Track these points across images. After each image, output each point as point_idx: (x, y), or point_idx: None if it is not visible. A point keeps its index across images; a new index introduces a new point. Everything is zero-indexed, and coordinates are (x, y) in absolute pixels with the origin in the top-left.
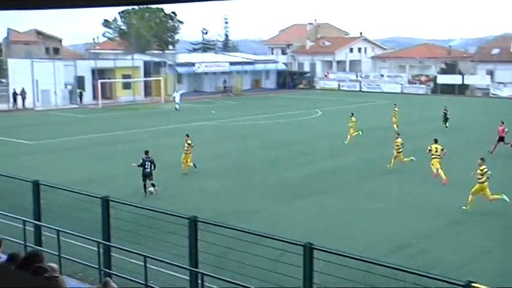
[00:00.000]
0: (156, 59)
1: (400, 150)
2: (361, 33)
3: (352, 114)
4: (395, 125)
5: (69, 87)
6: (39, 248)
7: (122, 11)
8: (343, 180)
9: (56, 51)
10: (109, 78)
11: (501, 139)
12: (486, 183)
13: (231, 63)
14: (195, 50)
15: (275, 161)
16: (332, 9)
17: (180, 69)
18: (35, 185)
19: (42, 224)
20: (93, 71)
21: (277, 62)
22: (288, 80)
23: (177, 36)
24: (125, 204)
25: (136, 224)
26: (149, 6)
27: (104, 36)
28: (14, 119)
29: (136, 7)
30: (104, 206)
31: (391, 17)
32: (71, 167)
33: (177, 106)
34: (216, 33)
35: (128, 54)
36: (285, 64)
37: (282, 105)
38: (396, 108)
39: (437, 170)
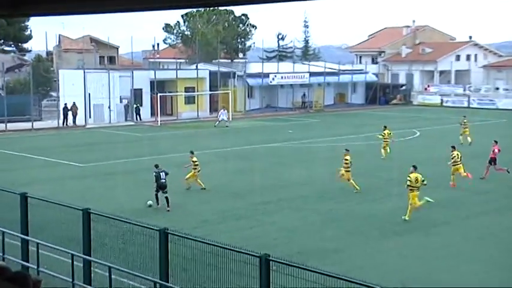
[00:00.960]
0: (224, 69)
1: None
2: (470, 37)
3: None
4: (464, 138)
5: (124, 101)
6: (89, 287)
7: (185, 14)
8: (449, 215)
9: (112, 60)
10: (170, 92)
11: (492, 161)
12: (415, 192)
13: (311, 74)
14: (269, 59)
15: (364, 190)
16: (434, 9)
17: (251, 81)
18: (85, 213)
19: (92, 259)
20: (151, 83)
21: (367, 73)
22: (379, 94)
23: (248, 43)
24: (187, 238)
25: (198, 262)
26: (217, 8)
27: (164, 42)
28: (63, 138)
29: (201, 9)
30: (162, 239)
31: (508, 17)
32: (126, 193)
33: (227, 124)
34: (294, 39)
35: (192, 64)
36: (376, 75)
37: (371, 124)
38: (465, 120)
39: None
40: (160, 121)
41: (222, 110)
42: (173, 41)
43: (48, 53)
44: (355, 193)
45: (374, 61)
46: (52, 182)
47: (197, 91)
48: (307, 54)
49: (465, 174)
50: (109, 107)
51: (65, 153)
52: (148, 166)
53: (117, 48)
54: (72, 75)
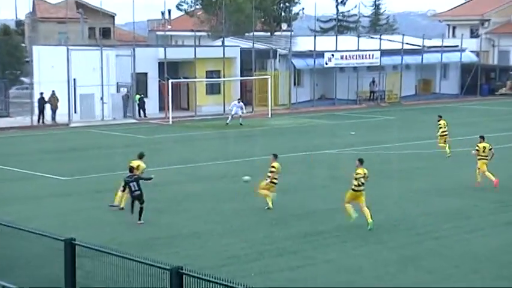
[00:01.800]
0: (261, 46)
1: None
2: None
3: None
4: None
5: (123, 90)
6: None
7: None
8: None
9: (106, 33)
10: (185, 77)
11: None
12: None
13: (384, 53)
14: (324, 32)
15: (458, 217)
16: None
17: (298, 63)
18: (69, 245)
19: None
20: (160, 65)
21: (463, 51)
22: (481, 80)
23: (295, 9)
24: (207, 280)
25: None
26: None
27: (178, 8)
28: (39, 141)
29: None
30: (174, 283)
31: None
32: (122, 216)
33: (240, 121)
34: (359, 3)
35: (216, 38)
36: (476, 54)
37: (469, 123)
38: None
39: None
40: (173, 118)
41: (235, 102)
42: (190, 6)
43: (19, 23)
44: (448, 222)
45: (474, 34)
46: (24, 202)
47: (224, 76)
48: (377, 24)
49: (489, 175)
50: (101, 99)
51: (41, 162)
52: (154, 181)
53: (113, 17)
54: (50, 53)
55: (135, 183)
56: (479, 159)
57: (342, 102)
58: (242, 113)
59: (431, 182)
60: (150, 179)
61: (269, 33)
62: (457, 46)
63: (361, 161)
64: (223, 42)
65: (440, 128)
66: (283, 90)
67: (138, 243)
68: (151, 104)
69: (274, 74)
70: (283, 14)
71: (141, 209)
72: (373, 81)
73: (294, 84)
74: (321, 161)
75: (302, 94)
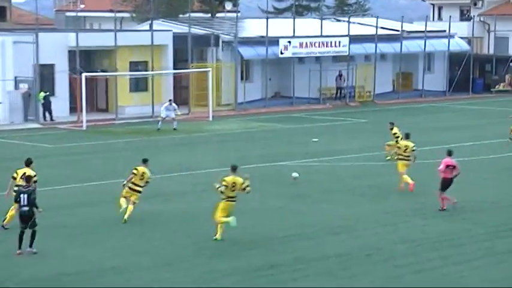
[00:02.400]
0: (200, 31)
1: None
2: None
3: None
4: None
5: (23, 87)
6: None
7: None
8: None
9: (1, 14)
10: (103, 70)
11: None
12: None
13: (354, 39)
14: (278, 13)
15: (446, 244)
16: None
17: (247, 52)
18: None
19: None
20: (71, 54)
21: (452, 37)
22: (474, 73)
23: None
24: None
25: None
26: None
27: None
28: None
29: None
30: None
31: None
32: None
33: (174, 125)
34: None
35: (143, 21)
36: (468, 41)
37: (458, 127)
38: None
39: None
40: (87, 122)
41: (166, 104)
42: None
43: None
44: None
45: (464, 16)
46: None
47: (152, 69)
48: (345, 4)
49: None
50: None
51: None
52: (61, 203)
53: None
54: None
55: (26, 196)
56: (399, 159)
57: (302, 102)
58: (176, 115)
59: (411, 200)
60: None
61: (209, 15)
62: (444, 31)
63: (233, 168)
64: (151, 25)
65: (398, 137)
66: (227, 87)
67: (42, 280)
68: (60, 104)
69: (216, 66)
70: None
71: (34, 233)
72: (340, 75)
73: (242, 78)
74: (276, 175)
75: (251, 91)
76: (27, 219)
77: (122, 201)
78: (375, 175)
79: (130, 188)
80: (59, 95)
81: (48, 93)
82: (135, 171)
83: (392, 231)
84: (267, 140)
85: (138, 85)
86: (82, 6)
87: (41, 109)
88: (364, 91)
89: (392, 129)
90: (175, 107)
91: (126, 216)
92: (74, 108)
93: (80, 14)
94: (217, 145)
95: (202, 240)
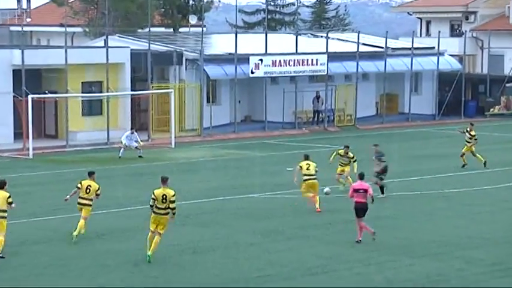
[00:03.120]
0: (161, 47)
1: None
2: None
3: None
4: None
5: None
6: None
7: None
8: None
9: None
10: (53, 92)
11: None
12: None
13: (332, 57)
14: (248, 27)
15: (437, 285)
16: None
17: (213, 71)
18: None
19: None
20: (16, 73)
21: (441, 54)
22: (466, 95)
23: None
24: None
25: None
26: None
27: None
28: None
29: None
30: None
31: None
32: None
33: (139, 152)
34: None
35: (97, 37)
36: (459, 59)
37: (447, 155)
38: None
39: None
40: (34, 149)
41: (127, 133)
42: None
43: None
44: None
45: (455, 31)
46: None
47: (107, 90)
48: (323, 18)
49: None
50: None
51: None
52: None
53: None
54: None
55: None
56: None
57: (275, 126)
58: (137, 147)
59: (396, 236)
60: None
61: (172, 30)
62: (432, 48)
63: (163, 180)
64: (106, 41)
65: (351, 159)
66: (191, 110)
67: None
68: (3, 130)
69: (179, 87)
70: (191, 2)
71: None
72: (318, 97)
73: (208, 101)
74: (247, 208)
75: (219, 115)
76: None
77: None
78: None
79: (79, 203)
80: (1, 120)
81: None
82: (79, 185)
83: (376, 271)
84: (237, 169)
85: (92, 108)
86: (28, 20)
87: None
88: (344, 115)
89: (347, 153)
90: (137, 137)
91: (75, 233)
92: (19, 134)
93: (26, 28)
94: (180, 175)
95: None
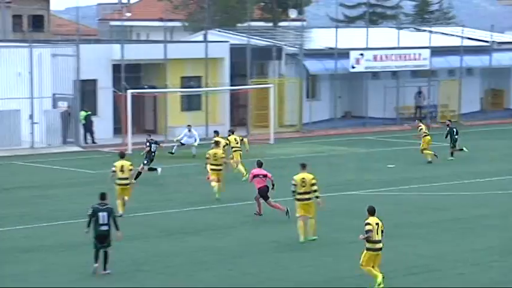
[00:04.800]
0: (261, 42)
1: None
2: None
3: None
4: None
5: (62, 105)
6: None
7: None
8: None
9: (37, 23)
10: (152, 87)
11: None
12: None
13: (435, 52)
14: (349, 22)
15: None
16: None
17: (313, 66)
18: None
19: None
20: (116, 68)
21: None
22: None
23: None
24: None
25: None
26: None
27: None
28: None
29: None
30: None
31: None
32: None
33: (194, 151)
34: None
35: (196, 31)
36: None
37: None
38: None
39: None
40: (134, 145)
41: (185, 131)
42: None
43: None
44: None
45: None
46: None
47: (207, 85)
48: (426, 11)
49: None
50: (30, 117)
51: None
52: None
53: (49, 0)
54: None
55: (105, 214)
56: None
57: (376, 123)
58: (195, 140)
59: (501, 236)
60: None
61: (271, 24)
62: None
63: (303, 166)
64: (205, 36)
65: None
66: (291, 105)
67: None
68: (103, 124)
69: (279, 82)
70: None
71: (107, 254)
72: (420, 93)
73: (308, 96)
74: (346, 205)
75: (319, 111)
76: (104, 237)
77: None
78: (461, 207)
79: (118, 184)
80: (101, 115)
81: (89, 113)
82: (114, 168)
83: (481, 272)
84: (336, 166)
85: (191, 103)
86: (128, 14)
87: (81, 130)
88: (447, 110)
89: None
90: (196, 135)
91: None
92: (118, 129)
93: (125, 23)
94: (279, 171)
95: None
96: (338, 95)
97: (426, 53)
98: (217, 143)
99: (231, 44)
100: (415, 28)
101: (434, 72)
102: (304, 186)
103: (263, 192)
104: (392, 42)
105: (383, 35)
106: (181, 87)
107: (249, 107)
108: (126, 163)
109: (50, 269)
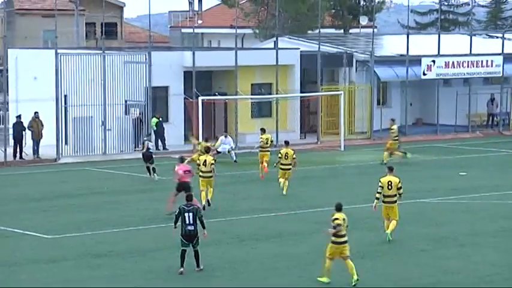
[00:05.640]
0: (331, 49)
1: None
2: None
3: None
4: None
5: (134, 111)
6: None
7: None
8: None
9: (110, 31)
10: (222, 93)
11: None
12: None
13: (507, 58)
14: (421, 28)
15: None
16: None
17: (384, 73)
18: None
19: None
20: (187, 75)
21: None
22: None
23: None
24: None
25: None
26: None
27: None
28: (15, 184)
29: None
30: None
31: None
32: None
33: (233, 155)
34: None
35: (267, 39)
36: None
37: None
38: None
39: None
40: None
41: (222, 137)
42: None
43: None
44: None
45: None
46: None
47: (277, 92)
48: (499, 18)
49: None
50: (102, 123)
51: (18, 214)
52: None
53: (122, 9)
54: (33, 59)
55: (191, 214)
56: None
57: (448, 130)
58: (231, 147)
59: None
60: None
61: (342, 31)
62: None
63: (390, 169)
64: (276, 43)
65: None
66: (362, 112)
67: None
68: (174, 131)
69: (349, 89)
70: (362, 3)
71: (197, 252)
72: (493, 100)
73: (378, 103)
74: (418, 213)
75: (390, 118)
76: (192, 238)
77: (203, 195)
78: None
79: (200, 176)
80: (173, 121)
81: (161, 119)
82: (198, 161)
83: None
84: (407, 173)
85: (261, 110)
86: (200, 22)
87: (153, 136)
88: None
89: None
90: (231, 142)
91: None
92: (188, 136)
93: (197, 30)
94: (349, 178)
95: None
96: (409, 102)
97: (499, 59)
98: (287, 143)
99: (302, 51)
100: (487, 34)
101: (506, 79)
102: (390, 189)
103: (183, 187)
104: (464, 48)
105: (455, 42)
106: (252, 94)
107: (319, 114)
108: (209, 157)
109: (119, 274)
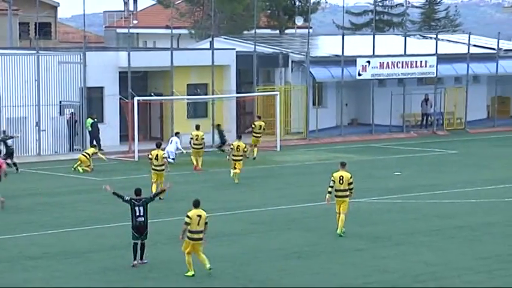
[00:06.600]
0: (267, 49)
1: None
2: None
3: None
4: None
5: (68, 112)
6: None
7: None
8: None
9: (44, 30)
10: (158, 94)
11: None
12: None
13: (441, 59)
14: (356, 29)
15: None
16: None
17: (319, 73)
18: None
19: None
20: (122, 75)
21: None
22: None
23: None
24: None
25: None
26: None
27: None
28: None
29: None
30: None
31: None
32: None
33: (171, 159)
34: None
35: (203, 39)
36: None
37: None
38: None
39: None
40: (140, 152)
41: (173, 137)
42: None
43: None
44: None
45: None
46: None
47: (213, 92)
48: (433, 19)
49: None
50: (37, 125)
51: None
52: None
53: (56, 8)
54: None
55: (141, 208)
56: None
57: (382, 130)
58: (176, 150)
59: (510, 244)
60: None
61: (278, 32)
62: None
63: (342, 164)
64: (212, 43)
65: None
66: (297, 113)
67: None
68: (109, 131)
69: (285, 89)
70: (297, 3)
71: (143, 245)
72: (427, 100)
73: (314, 103)
74: (353, 213)
75: (325, 118)
76: (143, 229)
77: (154, 187)
78: (467, 214)
79: (153, 169)
80: (108, 122)
81: (96, 120)
82: (150, 155)
83: (488, 280)
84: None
85: (197, 110)
86: (135, 22)
87: (88, 137)
88: (454, 118)
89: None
90: (179, 141)
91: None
92: (124, 137)
93: (132, 30)
94: (285, 179)
95: None
96: (344, 103)
97: (433, 60)
98: (239, 137)
99: (237, 52)
100: (421, 35)
101: (440, 79)
102: (341, 184)
103: None
104: (398, 49)
105: (389, 42)
106: (188, 95)
107: (255, 114)
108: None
109: (55, 276)
